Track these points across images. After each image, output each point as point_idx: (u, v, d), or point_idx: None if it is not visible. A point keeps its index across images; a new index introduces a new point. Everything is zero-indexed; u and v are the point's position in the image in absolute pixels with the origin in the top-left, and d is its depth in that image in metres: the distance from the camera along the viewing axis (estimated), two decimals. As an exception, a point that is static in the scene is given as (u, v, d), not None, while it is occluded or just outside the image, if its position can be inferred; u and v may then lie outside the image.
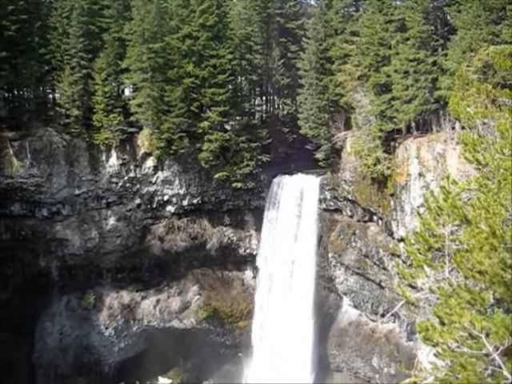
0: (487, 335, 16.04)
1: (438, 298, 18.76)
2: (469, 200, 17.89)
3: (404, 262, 36.11)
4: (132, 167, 42.64)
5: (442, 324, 17.22)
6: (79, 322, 43.53)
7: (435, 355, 17.95)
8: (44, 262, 42.69)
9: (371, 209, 39.43)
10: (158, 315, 44.52)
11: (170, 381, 46.19)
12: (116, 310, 43.79)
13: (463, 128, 23.07)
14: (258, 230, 44.76)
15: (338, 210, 42.33)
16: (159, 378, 46.20)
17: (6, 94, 42.39)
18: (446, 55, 34.77)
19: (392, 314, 40.16)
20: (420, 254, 18.50)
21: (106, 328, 43.60)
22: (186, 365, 46.72)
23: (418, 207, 28.25)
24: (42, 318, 43.29)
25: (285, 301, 42.43)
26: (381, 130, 37.10)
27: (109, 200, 43.08)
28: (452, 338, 16.19)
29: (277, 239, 42.84)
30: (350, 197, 40.72)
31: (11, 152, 39.23)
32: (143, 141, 42.47)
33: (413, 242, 19.17)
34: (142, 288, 44.75)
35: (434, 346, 16.14)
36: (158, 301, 44.72)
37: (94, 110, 42.14)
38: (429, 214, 17.92)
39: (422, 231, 17.87)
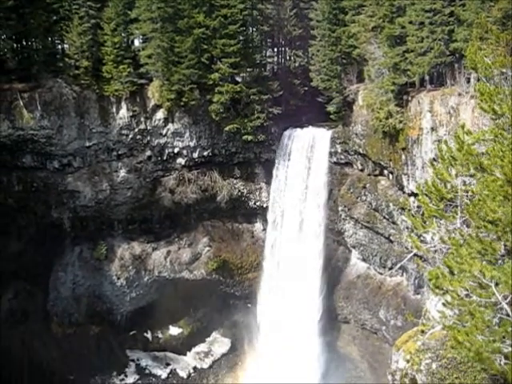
0: (497, 284, 16.17)
1: (448, 249, 18.87)
2: (483, 153, 17.74)
3: (414, 217, 36.17)
4: (142, 119, 42.43)
5: (452, 274, 17.34)
6: (91, 273, 44.33)
7: (444, 304, 18.15)
8: (56, 214, 43.15)
9: (382, 163, 39.21)
10: (168, 266, 45.19)
11: (181, 330, 47.29)
12: (127, 260, 44.48)
13: (479, 80, 22.63)
14: (268, 182, 44.80)
15: (348, 164, 42.17)
16: (170, 327, 47.31)
17: (15, 45, 41.87)
18: (463, 5, 33.78)
19: (400, 268, 40.54)
20: (432, 204, 18.46)
21: (118, 278, 44.40)
22: (196, 315, 47.76)
23: (434, 159, 27.93)
24: (56, 268, 44.11)
25: (294, 253, 42.85)
26: (394, 83, 36.46)
27: (119, 152, 43.10)
28: (462, 286, 16.33)
29: (287, 192, 42.91)
30: (360, 150, 40.47)
31: (21, 104, 39.08)
32: (153, 93, 42.10)
33: (425, 192, 19.14)
34: (152, 239, 45.31)
35: (443, 293, 16.31)
36: (168, 252, 45.33)
37: (104, 61, 41.63)
38: (442, 164, 17.80)
39: (435, 181, 17.79)
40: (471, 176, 17.42)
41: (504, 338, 15.75)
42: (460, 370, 18.89)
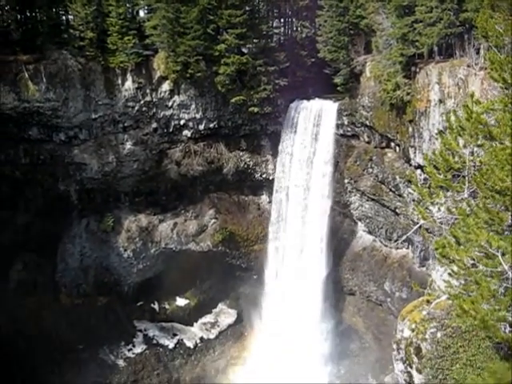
0: (503, 254, 16.22)
1: (455, 219, 18.89)
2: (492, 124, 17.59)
3: (421, 187, 36.08)
4: (148, 91, 42.20)
5: (459, 244, 17.38)
6: (99, 244, 44.67)
7: (449, 274, 18.25)
8: (63, 186, 43.30)
9: (389, 135, 38.98)
10: (175, 238, 45.46)
11: (187, 301, 47.76)
12: (134, 232, 44.75)
13: (489, 50, 22.32)
14: (275, 155, 44.70)
15: (355, 136, 41.97)
16: (177, 298, 47.77)
17: (19, 16, 41.49)
18: (474, -27, 33.14)
19: (406, 241, 40.68)
20: (439, 174, 18.43)
21: (125, 250, 44.74)
22: (203, 286, 48.19)
23: (441, 131, 27.71)
24: (63, 240, 44.45)
25: (300, 226, 43.00)
26: (402, 55, 35.98)
27: (125, 124, 43.00)
28: (468, 255, 16.39)
29: (293, 164, 42.85)
30: (367, 123, 40.22)
31: (26, 76, 38.84)
32: (159, 64, 41.79)
33: (432, 162, 19.07)
34: (159, 211, 45.47)
35: (449, 263, 16.38)
36: (175, 224, 45.53)
37: (109, 33, 41.21)
38: (450, 134, 17.70)
39: (443, 151, 17.72)
40: (479, 146, 17.34)
41: (509, 306, 15.86)
42: (465, 338, 19.08)
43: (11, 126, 40.00)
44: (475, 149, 18.39)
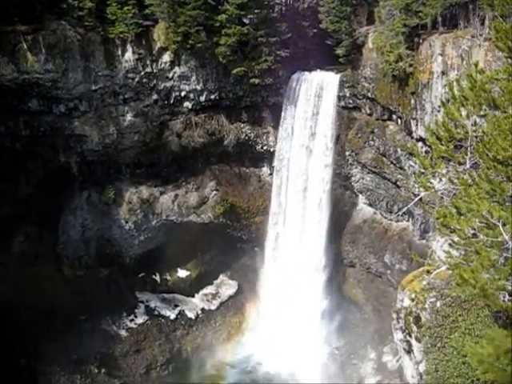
0: (504, 224, 16.28)
1: (457, 190, 18.92)
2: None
3: (423, 158, 36.05)
4: (148, 62, 41.80)
5: (460, 214, 17.43)
6: (100, 216, 44.77)
7: (450, 245, 18.36)
8: (64, 158, 43.21)
9: (391, 107, 38.80)
10: (176, 210, 45.52)
11: (189, 273, 48.07)
12: (135, 204, 44.78)
13: (494, 19, 22.05)
14: (276, 127, 44.48)
15: (356, 108, 41.75)
16: (178, 269, 48.06)
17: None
18: None
19: (406, 213, 40.80)
20: (441, 145, 18.40)
21: (126, 222, 44.83)
22: (204, 258, 48.43)
23: (444, 102, 27.50)
24: (65, 212, 44.53)
25: (300, 198, 43.08)
26: (405, 25, 35.57)
27: (125, 96, 42.68)
28: (469, 225, 16.47)
29: (294, 136, 42.70)
30: (369, 95, 39.97)
31: (25, 47, 38.36)
32: (159, 35, 41.30)
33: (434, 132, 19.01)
34: (160, 183, 45.41)
35: (450, 232, 16.46)
36: (176, 196, 45.54)
37: (108, 2, 40.55)
38: (453, 104, 17.59)
39: (445, 121, 17.65)
40: (482, 116, 17.27)
41: (509, 276, 15.99)
42: (464, 308, 19.31)
43: (11, 97, 39.68)
44: (478, 119, 18.33)
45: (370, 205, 43.51)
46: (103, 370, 40.78)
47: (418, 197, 28.76)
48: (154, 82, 42.62)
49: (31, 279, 42.08)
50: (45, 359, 39.14)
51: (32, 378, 37.68)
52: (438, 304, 19.68)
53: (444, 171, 18.54)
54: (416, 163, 37.94)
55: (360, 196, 44.02)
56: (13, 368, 36.94)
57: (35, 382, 37.57)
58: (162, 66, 42.23)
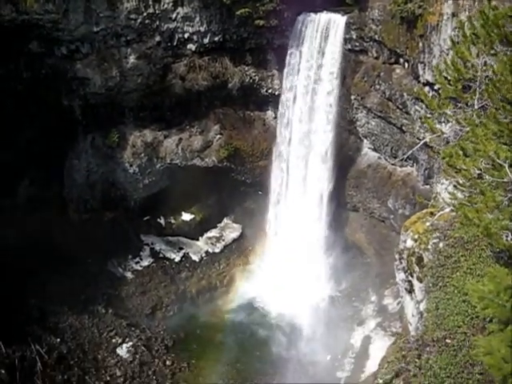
0: (510, 165, 16.26)
1: (463, 132, 18.82)
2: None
3: (427, 107, 35.72)
4: (150, 2, 40.72)
5: (466, 156, 17.40)
6: (104, 160, 44.84)
7: (455, 186, 18.42)
8: (67, 101, 42.98)
9: (398, 50, 38.04)
10: (180, 153, 45.46)
11: (193, 216, 48.45)
12: (139, 148, 44.71)
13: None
14: (281, 69, 43.63)
15: (363, 51, 40.90)
16: (182, 213, 48.40)
17: None
18: None
19: (410, 159, 40.72)
20: (450, 85, 18.16)
21: (131, 165, 44.90)
22: (208, 201, 48.68)
23: (453, 39, 26.90)
24: (70, 156, 44.67)
25: (305, 141, 42.94)
26: (415, -36, 34.52)
27: (128, 38, 41.88)
28: (475, 166, 16.47)
29: (299, 80, 42.09)
30: (376, 37, 39.09)
31: (23, -15, 37.53)
32: (161, -27, 40.21)
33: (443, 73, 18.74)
34: (164, 127, 45.15)
35: (456, 172, 16.49)
36: (180, 139, 45.37)
37: None
38: (463, 42, 17.26)
39: (455, 60, 17.36)
40: (493, 55, 16.95)
41: (513, 216, 16.13)
42: (466, 248, 19.56)
43: (11, 39, 39.03)
44: (488, 59, 18.01)
45: (375, 150, 43.36)
46: (110, 311, 41.75)
47: (424, 140, 28.70)
48: (157, 23, 41.71)
49: (37, 223, 42.60)
50: (53, 300, 39.99)
51: (42, 318, 38.63)
52: (441, 245, 19.93)
53: (451, 112, 18.38)
54: (422, 108, 37.60)
55: (365, 141, 43.81)
56: (23, 308, 37.90)
57: (45, 322, 38.48)
58: (165, 6, 41.22)
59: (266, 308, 44.28)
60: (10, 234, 40.31)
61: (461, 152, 16.93)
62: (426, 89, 35.93)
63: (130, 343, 39.80)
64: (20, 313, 37.28)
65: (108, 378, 37.36)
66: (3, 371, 33.70)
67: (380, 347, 35.29)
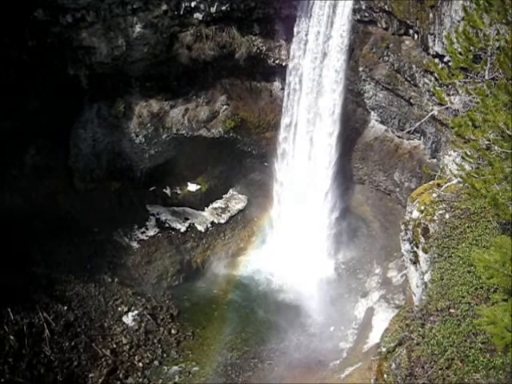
0: (519, 137, 16.13)
1: (473, 103, 18.66)
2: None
3: (436, 80, 35.39)
4: (157, -31, 40.24)
5: (475, 127, 17.30)
6: (110, 130, 44.64)
7: (463, 158, 18.34)
8: (72, 71, 42.53)
9: (408, 21, 37.47)
10: (186, 124, 45.17)
11: (199, 187, 48.45)
12: (145, 118, 44.46)
13: None
14: (288, 40, 43.08)
15: (372, 22, 40.31)
16: (188, 183, 48.41)
17: None
18: None
19: (418, 132, 40.52)
20: (460, 54, 17.94)
21: (137, 135, 44.74)
22: (214, 172, 48.61)
23: (467, 9, 26.47)
24: (75, 126, 44.46)
25: (312, 113, 42.69)
26: None
27: (134, 6, 41.18)
28: (484, 136, 16.37)
29: (307, 50, 41.61)
30: (386, 7, 38.44)
31: (26, -49, 36.98)
32: None
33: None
34: (170, 97, 44.74)
35: (465, 143, 16.41)
36: (186, 110, 45.07)
37: None
38: (476, 10, 16.99)
39: (466, 29, 17.11)
40: (506, 24, 16.68)
41: (521, 188, 16.08)
42: (472, 219, 19.57)
43: (15, 6, 38.60)
44: (501, 28, 17.73)
45: (382, 122, 43.10)
46: (116, 279, 42.19)
47: (432, 112, 28.49)
48: (164, -8, 41.17)
49: (44, 192, 42.84)
50: (60, 268, 40.48)
51: (49, 286, 39.09)
52: (447, 216, 19.93)
53: (461, 83, 18.18)
54: (431, 81, 37.26)
55: (372, 113, 43.51)
56: (30, 276, 38.34)
57: (52, 290, 38.96)
58: (172, -27, 40.65)
59: (270, 279, 44.66)
60: (17, 203, 40.59)
61: (470, 122, 16.80)
62: (436, 61, 35.51)
63: (136, 312, 40.29)
64: (28, 280, 37.68)
65: (114, 346, 37.92)
66: (12, 337, 34.29)
67: (383, 319, 35.66)
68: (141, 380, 36.59)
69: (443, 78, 18.22)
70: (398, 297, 39.10)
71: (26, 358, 34.02)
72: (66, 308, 38.01)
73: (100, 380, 35.63)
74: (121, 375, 36.54)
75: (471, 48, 17.50)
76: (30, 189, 42.22)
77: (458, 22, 31.93)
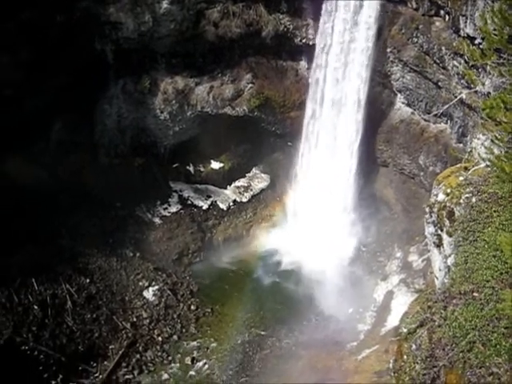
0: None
1: (505, 84, 18.29)
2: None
3: (466, 63, 34.66)
4: None
5: (506, 109, 16.96)
6: (135, 106, 44.81)
7: (492, 141, 18.04)
8: (99, 46, 42.80)
9: (439, 1, 36.64)
10: (211, 101, 45.07)
11: (222, 164, 48.50)
12: (170, 95, 44.46)
13: None
14: (316, 19, 42.42)
15: (402, 2, 39.48)
16: (211, 161, 48.51)
17: None
18: None
19: (445, 115, 39.90)
20: (495, 34, 17.53)
21: (161, 112, 44.82)
22: (237, 150, 48.56)
23: (493, 0, 25.97)
24: (101, 102, 44.73)
25: (338, 93, 42.27)
26: None
27: (161, -19, 41.25)
28: (516, 119, 16.02)
29: (335, 30, 40.99)
30: (417, -14, 37.76)
31: None
32: None
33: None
34: (196, 74, 44.59)
35: (496, 125, 16.13)
36: (211, 87, 44.92)
37: None
38: (513, -11, 16.55)
39: (502, 8, 16.70)
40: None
41: (551, 171, 15.80)
42: (500, 204, 19.28)
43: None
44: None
45: (408, 105, 42.49)
46: (138, 254, 42.66)
47: (460, 95, 28.01)
48: (191, -34, 40.91)
49: (69, 167, 43.37)
50: (83, 241, 41.03)
51: (72, 259, 39.70)
52: (474, 199, 19.66)
53: (495, 63, 17.79)
54: (460, 64, 36.49)
55: (398, 95, 42.90)
56: (55, 248, 38.95)
57: (75, 262, 39.57)
58: (200, -51, 40.33)
59: (290, 259, 44.69)
60: (43, 177, 41.19)
61: (502, 104, 16.48)
62: (467, 42, 34.75)
63: (156, 287, 40.74)
64: (53, 253, 38.30)
65: (134, 319, 38.52)
66: (36, 307, 35.06)
67: (402, 303, 35.57)
68: (159, 354, 37.18)
69: (476, 58, 17.85)
70: (417, 281, 38.86)
71: (48, 328, 34.86)
72: (88, 281, 38.62)
73: (120, 352, 36.30)
74: (140, 348, 37.19)
75: (506, 28, 17.09)
76: (55, 163, 42.81)
77: (492, 1, 31.15)
